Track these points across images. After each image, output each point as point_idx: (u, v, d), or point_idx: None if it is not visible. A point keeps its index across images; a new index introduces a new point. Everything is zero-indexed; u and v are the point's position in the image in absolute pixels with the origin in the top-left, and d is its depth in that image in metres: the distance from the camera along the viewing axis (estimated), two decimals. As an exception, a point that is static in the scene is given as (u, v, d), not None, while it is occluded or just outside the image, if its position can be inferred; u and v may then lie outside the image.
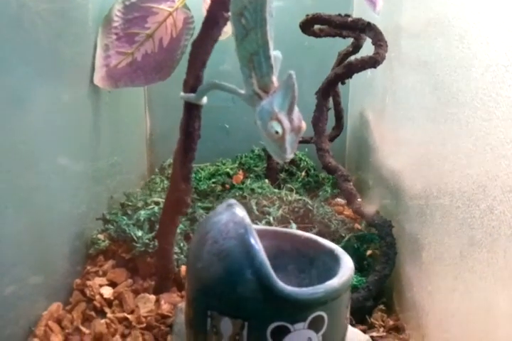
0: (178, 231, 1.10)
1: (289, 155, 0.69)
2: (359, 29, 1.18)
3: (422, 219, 0.92)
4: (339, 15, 1.19)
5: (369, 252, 1.20)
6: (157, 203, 1.20)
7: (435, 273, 0.86)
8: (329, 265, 0.78)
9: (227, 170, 1.56)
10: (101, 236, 1.19)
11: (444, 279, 0.81)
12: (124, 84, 1.20)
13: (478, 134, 0.69)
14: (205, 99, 0.87)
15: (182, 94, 0.88)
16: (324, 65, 1.42)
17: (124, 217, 1.14)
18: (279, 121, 0.67)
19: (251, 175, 1.53)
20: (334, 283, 0.67)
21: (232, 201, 0.74)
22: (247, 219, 0.68)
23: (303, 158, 1.61)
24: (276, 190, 1.34)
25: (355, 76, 1.41)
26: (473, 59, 0.71)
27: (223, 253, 0.66)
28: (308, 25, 1.25)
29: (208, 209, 1.31)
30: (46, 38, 0.94)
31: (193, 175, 1.49)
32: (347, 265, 0.73)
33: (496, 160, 0.63)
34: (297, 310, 0.65)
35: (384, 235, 1.05)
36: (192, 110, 0.87)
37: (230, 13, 0.76)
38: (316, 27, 1.27)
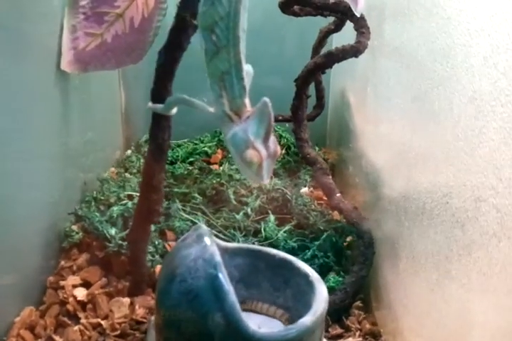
0: (153, 228, 1.07)
1: (266, 181, 0.67)
2: (341, 12, 1.11)
3: (400, 230, 0.89)
4: (320, -4, 1.12)
5: (347, 242, 1.19)
6: (131, 197, 1.16)
7: (412, 276, 0.84)
8: (304, 288, 0.76)
9: (205, 148, 1.52)
10: (74, 228, 1.15)
11: (421, 283, 0.79)
12: (94, 68, 1.13)
13: (460, 167, 0.65)
14: (174, 110, 0.82)
15: (150, 104, 0.83)
16: (305, 41, 1.36)
17: (97, 214, 1.11)
18: (256, 151, 0.64)
19: (229, 155, 1.48)
20: (307, 321, 0.66)
21: (202, 230, 0.71)
22: (217, 256, 0.66)
23: (283, 134, 1.57)
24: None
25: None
26: (457, 83, 0.66)
27: (192, 293, 0.64)
28: (288, 5, 1.17)
29: (184, 196, 1.28)
30: (9, 18, 0.88)
31: (170, 153, 1.45)
32: (321, 296, 0.71)
33: (476, 202, 0.60)
34: (269, 352, 0.64)
35: (362, 234, 1.04)
36: (160, 120, 0.82)
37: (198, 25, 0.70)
38: (297, 6, 1.20)
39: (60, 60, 1.10)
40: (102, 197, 1.18)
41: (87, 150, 1.29)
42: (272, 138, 0.67)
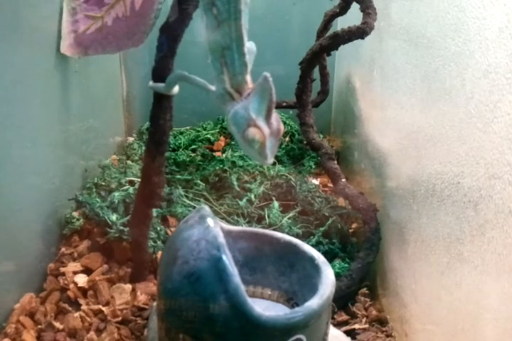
0: (155, 214, 1.05)
1: (270, 161, 0.64)
2: (346, -7, 1.09)
3: (408, 213, 0.87)
4: (325, -24, 1.09)
5: (352, 229, 1.17)
6: (132, 183, 1.14)
7: (421, 261, 0.82)
8: (310, 272, 0.74)
9: (208, 136, 1.49)
10: (75, 214, 1.13)
11: (430, 268, 0.77)
12: (95, 52, 1.11)
13: (472, 145, 0.63)
14: (176, 89, 0.80)
15: (150, 83, 0.80)
16: (310, 25, 1.33)
17: (98, 199, 1.09)
18: (258, 128, 0.62)
19: (232, 142, 1.46)
20: (313, 304, 0.63)
21: (205, 211, 0.69)
22: (221, 237, 0.63)
23: (287, 121, 1.54)
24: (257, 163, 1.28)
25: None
26: (470, 58, 0.64)
27: (194, 275, 0.62)
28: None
29: (187, 182, 1.26)
30: (7, 1, 0.85)
31: (172, 141, 1.43)
32: (328, 279, 0.68)
33: (490, 180, 0.58)
34: (275, 336, 0.62)
35: (368, 220, 1.01)
36: (162, 100, 0.80)
37: (199, -1, 0.68)
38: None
39: (60, 43, 1.08)
40: (103, 183, 1.15)
41: (88, 137, 1.27)
42: (275, 115, 0.64)
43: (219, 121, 1.59)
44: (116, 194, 1.09)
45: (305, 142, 1.15)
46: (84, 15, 1.09)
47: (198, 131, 1.53)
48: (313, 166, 1.39)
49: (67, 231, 1.11)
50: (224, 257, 0.61)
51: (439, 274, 0.73)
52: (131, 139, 1.59)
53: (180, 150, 1.41)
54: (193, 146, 1.46)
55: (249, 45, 0.69)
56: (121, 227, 1.02)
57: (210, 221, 0.66)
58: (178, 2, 0.75)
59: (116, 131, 1.59)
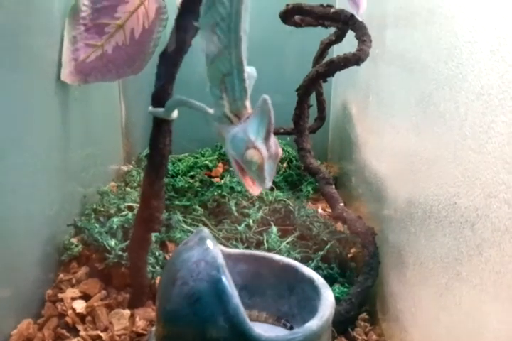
0: (153, 239, 1.05)
1: (267, 185, 0.64)
2: (342, 21, 1.11)
3: (406, 236, 0.88)
4: (321, 5, 1.12)
5: (351, 254, 1.17)
6: (131, 209, 1.15)
7: (420, 283, 0.82)
8: (309, 294, 0.74)
9: (206, 162, 1.50)
10: (74, 241, 1.14)
11: (429, 290, 0.77)
12: (95, 79, 1.13)
13: (467, 165, 0.63)
14: (175, 114, 0.81)
15: (150, 108, 0.82)
16: (306, 53, 1.35)
17: (96, 225, 1.09)
18: (257, 150, 0.62)
19: (231, 168, 1.47)
20: (313, 325, 0.63)
21: (204, 233, 0.69)
22: (220, 258, 0.64)
23: (284, 147, 1.55)
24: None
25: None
26: (463, 81, 0.65)
27: (194, 296, 0.62)
28: (288, 16, 1.17)
29: (185, 208, 1.27)
30: (8, 29, 0.86)
31: (171, 167, 1.44)
32: (327, 301, 0.69)
33: (486, 199, 0.59)
34: (274, 357, 0.61)
35: (367, 244, 1.01)
36: (161, 125, 0.81)
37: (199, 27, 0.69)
38: (297, 17, 1.19)
39: (60, 71, 1.10)
40: (102, 209, 1.16)
41: (86, 164, 1.28)
42: (273, 140, 0.64)
43: (217, 148, 1.60)
44: (115, 219, 1.09)
45: (303, 167, 1.16)
46: (84, 44, 1.11)
47: (197, 158, 1.55)
48: (311, 192, 1.40)
49: (66, 258, 1.11)
50: (223, 278, 0.61)
51: (438, 296, 0.73)
52: (130, 166, 1.60)
53: (179, 176, 1.42)
54: (192, 173, 1.47)
55: (250, 70, 0.70)
56: (120, 252, 1.02)
57: (210, 242, 0.67)
58: (176, 30, 0.76)
59: (115, 159, 1.60)
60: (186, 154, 1.60)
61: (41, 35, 1.03)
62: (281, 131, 1.44)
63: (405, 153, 0.89)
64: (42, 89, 1.04)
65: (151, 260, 1.04)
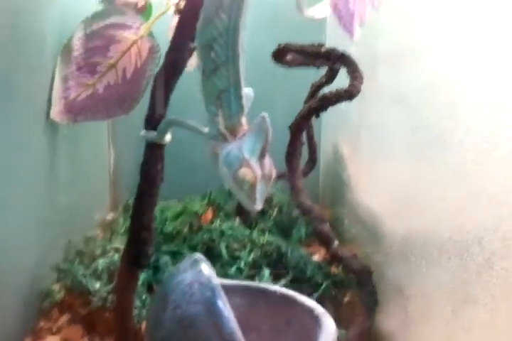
0: (140, 282, 1.00)
1: (258, 206, 0.62)
2: (333, 59, 1.12)
3: (406, 267, 0.84)
4: (312, 44, 1.13)
5: (347, 299, 1.13)
6: (117, 250, 1.10)
7: (423, 319, 0.77)
8: (308, 326, 0.69)
9: (196, 209, 1.47)
10: (56, 287, 1.08)
11: (434, 324, 0.73)
12: (84, 118, 1.11)
13: (472, 180, 0.61)
14: (168, 137, 0.79)
15: (143, 132, 0.80)
16: (297, 96, 1.35)
17: (81, 267, 1.03)
18: (250, 169, 0.60)
19: (220, 214, 1.44)
20: (315, 353, 0.59)
21: (198, 256, 0.66)
22: (215, 280, 0.60)
23: (276, 192, 1.52)
24: (247, 232, 1.25)
25: (329, 108, 1.35)
26: (461, 95, 0.64)
27: (187, 320, 0.57)
28: (280, 55, 1.18)
29: (173, 254, 1.22)
30: None
31: (158, 214, 1.40)
32: (329, 329, 0.64)
33: (495, 209, 0.56)
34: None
35: (363, 282, 0.97)
36: (154, 150, 0.79)
37: (196, 44, 0.68)
38: (289, 57, 1.20)
39: (50, 109, 1.08)
40: (87, 251, 1.11)
41: (72, 211, 1.24)
42: (268, 160, 0.63)
43: (206, 194, 1.57)
44: (100, 261, 1.04)
45: (295, 206, 1.13)
46: (76, 83, 1.10)
47: (185, 204, 1.51)
48: (304, 236, 1.36)
49: (47, 304, 1.05)
50: (218, 300, 0.57)
51: (444, 326, 0.69)
52: (115, 215, 1.56)
53: (167, 221, 1.37)
54: (180, 220, 1.43)
55: (248, 91, 0.69)
56: (105, 294, 0.97)
57: (203, 265, 0.63)
58: (170, 52, 0.76)
59: (102, 206, 1.56)
60: (175, 200, 1.56)
61: (32, 73, 1.02)
62: (272, 175, 1.42)
63: (403, 182, 0.87)
64: (31, 126, 1.02)
65: (138, 303, 0.98)
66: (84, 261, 1.08)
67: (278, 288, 0.75)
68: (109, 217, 1.55)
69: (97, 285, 0.99)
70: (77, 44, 1.08)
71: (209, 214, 1.45)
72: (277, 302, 0.73)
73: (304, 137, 1.32)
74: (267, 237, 1.24)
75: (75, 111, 1.09)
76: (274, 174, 0.64)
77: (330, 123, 1.50)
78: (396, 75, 0.95)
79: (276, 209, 1.48)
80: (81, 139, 1.31)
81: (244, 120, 0.66)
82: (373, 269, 0.98)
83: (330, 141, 1.49)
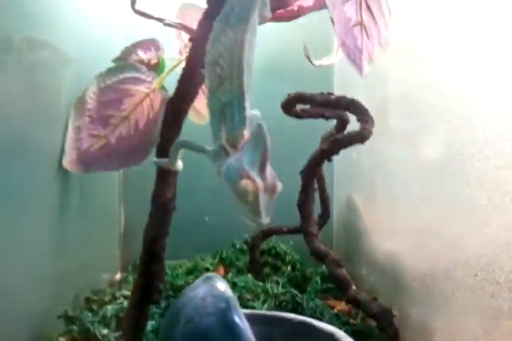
0: (150, 328, 0.96)
1: (265, 220, 0.58)
2: (343, 107, 1.13)
3: (430, 300, 0.80)
4: (321, 93, 1.15)
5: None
6: (127, 297, 1.06)
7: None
8: (329, 353, 0.65)
9: (207, 265, 1.43)
10: (62, 340, 1.03)
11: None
12: (97, 169, 1.11)
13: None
14: (180, 165, 0.78)
15: (155, 159, 0.79)
16: (307, 149, 1.35)
17: (89, 314, 0.99)
18: (251, 180, 0.57)
19: (233, 270, 1.40)
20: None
21: (211, 274, 0.63)
22: (229, 292, 0.57)
23: (288, 251, 1.49)
24: (260, 283, 1.21)
25: (340, 160, 1.35)
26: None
27: (199, 333, 0.54)
28: (290, 105, 1.19)
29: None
30: (14, 120, 0.87)
31: (169, 272, 1.36)
32: (351, 349, 0.60)
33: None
34: None
35: (385, 326, 0.92)
36: (166, 177, 0.78)
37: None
38: (298, 107, 1.22)
39: (62, 160, 1.09)
40: (95, 298, 1.07)
41: (81, 268, 1.20)
42: (270, 171, 0.60)
43: (217, 253, 1.54)
44: (109, 307, 1.00)
45: (310, 252, 1.10)
46: (88, 134, 1.11)
47: (196, 261, 1.48)
48: (319, 290, 1.31)
49: (53, 356, 1.00)
50: (233, 310, 0.54)
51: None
52: (124, 275, 1.52)
53: (179, 275, 1.34)
54: (191, 276, 1.39)
55: (254, 112, 0.69)
56: (113, 339, 0.92)
57: (217, 280, 0.60)
58: (182, 79, 0.77)
59: (111, 266, 1.53)
60: (186, 260, 1.53)
61: (47, 126, 1.04)
62: (285, 229, 1.40)
63: (422, 220, 0.85)
64: (43, 179, 1.02)
65: (147, 350, 0.93)
66: (93, 308, 1.03)
67: (295, 315, 0.71)
68: (118, 276, 1.51)
69: (105, 331, 0.95)
70: (90, 97, 1.11)
71: (221, 270, 1.42)
72: (295, 330, 0.69)
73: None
74: (281, 286, 1.19)
75: (87, 161, 1.10)
76: (278, 185, 0.60)
77: (342, 176, 1.49)
78: (406, 119, 0.96)
79: (289, 266, 1.44)
80: (92, 198, 1.31)
81: (246, 133, 0.64)
82: (395, 312, 0.93)
83: (343, 193, 1.48)
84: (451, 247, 0.72)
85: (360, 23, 0.91)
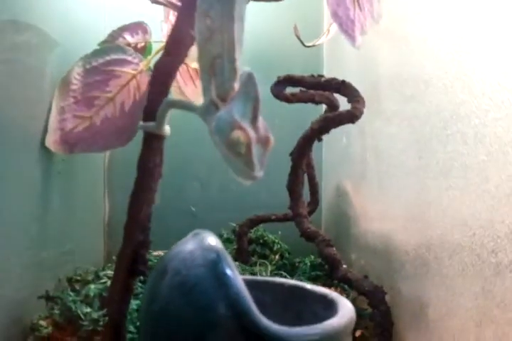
0: (135, 307, 0.92)
1: (258, 173, 0.55)
2: (333, 88, 1.12)
3: (424, 270, 0.78)
4: (312, 75, 1.13)
5: (358, 333, 1.04)
6: (110, 277, 1.02)
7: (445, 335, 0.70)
8: (322, 315, 0.62)
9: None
10: (43, 323, 0.99)
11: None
12: (81, 150, 1.09)
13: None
14: (167, 129, 0.76)
15: (141, 123, 0.76)
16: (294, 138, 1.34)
17: (71, 293, 0.96)
18: (242, 131, 0.55)
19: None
20: (334, 322, 0.52)
21: (200, 230, 0.60)
22: (219, 244, 0.54)
23: (276, 240, 1.46)
24: (248, 267, 1.19)
25: (329, 147, 1.34)
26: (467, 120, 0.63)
27: (187, 285, 0.51)
28: (280, 88, 1.17)
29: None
30: None
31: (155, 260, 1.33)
32: (346, 306, 0.57)
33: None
34: (287, 356, 0.49)
35: (377, 303, 0.90)
36: (152, 142, 0.75)
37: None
38: (288, 91, 1.20)
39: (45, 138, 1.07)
40: (78, 278, 1.03)
41: (63, 260, 1.17)
42: (262, 122, 0.57)
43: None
44: (92, 286, 0.97)
45: (300, 233, 1.08)
46: (72, 115, 1.08)
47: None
48: (308, 278, 1.28)
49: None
50: (224, 261, 0.51)
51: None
52: (109, 265, 1.48)
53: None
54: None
55: (246, 69, 0.67)
56: (96, 317, 0.89)
57: (207, 234, 0.57)
58: (170, 40, 0.74)
59: (95, 257, 1.49)
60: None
61: (30, 107, 1.02)
62: (273, 217, 1.38)
63: (415, 199, 0.84)
64: (23, 165, 1.00)
65: (131, 329, 0.90)
66: (75, 288, 1.00)
67: (286, 280, 0.68)
68: (102, 270, 1.47)
69: (88, 310, 0.91)
70: (75, 78, 1.08)
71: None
72: (286, 295, 0.67)
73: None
74: (269, 272, 1.17)
75: (71, 142, 1.07)
76: (271, 138, 0.57)
77: (331, 163, 1.47)
78: (401, 102, 0.94)
79: (278, 255, 1.42)
80: (76, 188, 1.29)
81: (237, 85, 0.60)
82: (386, 290, 0.91)
83: (332, 180, 1.46)
84: (447, 213, 0.70)
85: (352, -5, 0.89)
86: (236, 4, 0.62)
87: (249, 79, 0.56)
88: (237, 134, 0.55)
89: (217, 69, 0.62)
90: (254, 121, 0.56)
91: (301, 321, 0.66)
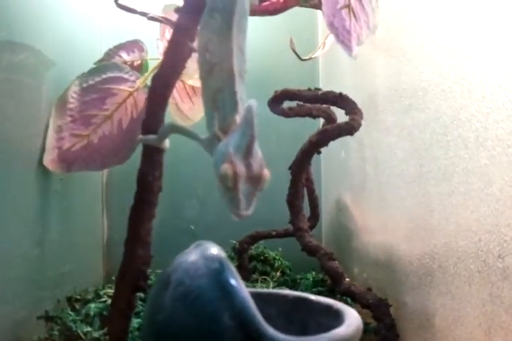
0: (136, 325, 0.91)
1: (244, 212, 0.52)
2: (331, 101, 1.12)
3: (428, 280, 0.77)
4: (309, 89, 1.14)
5: None
6: (111, 296, 1.01)
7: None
8: (328, 325, 0.60)
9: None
10: (41, 341, 0.97)
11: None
12: (78, 168, 1.08)
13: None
14: (167, 143, 0.75)
15: (140, 136, 0.76)
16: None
17: (71, 313, 0.94)
18: (231, 165, 0.52)
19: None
20: (341, 331, 0.51)
21: (202, 241, 0.59)
22: (222, 254, 0.53)
23: (277, 257, 1.45)
24: (249, 284, 1.17)
25: (328, 161, 1.33)
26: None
27: (191, 295, 0.50)
28: (277, 102, 1.17)
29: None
30: None
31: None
32: (353, 315, 0.56)
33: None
34: (294, 365, 0.48)
35: (381, 316, 0.89)
36: (152, 155, 0.74)
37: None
38: (286, 106, 1.20)
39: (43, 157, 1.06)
40: (78, 297, 1.02)
41: (62, 280, 1.15)
42: (258, 159, 0.54)
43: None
44: (92, 305, 0.95)
45: (301, 248, 1.07)
46: (70, 134, 1.08)
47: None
48: (310, 290, 1.27)
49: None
50: (227, 270, 0.50)
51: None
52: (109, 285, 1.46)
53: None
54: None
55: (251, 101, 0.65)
56: (96, 336, 0.87)
57: (209, 245, 0.56)
58: (169, 50, 0.74)
59: (94, 277, 1.47)
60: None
61: (27, 125, 1.02)
62: (274, 233, 1.37)
63: (417, 208, 0.83)
64: (22, 184, 1.00)
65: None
66: (75, 307, 0.98)
67: (290, 291, 0.67)
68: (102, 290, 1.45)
69: (88, 329, 0.90)
70: (72, 97, 1.08)
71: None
72: (291, 307, 0.65)
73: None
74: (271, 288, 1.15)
75: (69, 160, 1.07)
76: (265, 174, 0.54)
77: (330, 177, 1.47)
78: (399, 111, 0.94)
79: (279, 272, 1.41)
80: (74, 207, 1.28)
81: (238, 118, 0.59)
82: (390, 302, 0.90)
83: (331, 194, 1.46)
84: (451, 219, 0.69)
85: (348, 6, 0.90)
86: (234, 36, 0.61)
87: (248, 113, 0.53)
88: (225, 168, 0.52)
89: (219, 103, 0.61)
90: (247, 156, 0.53)
91: (307, 332, 0.65)
